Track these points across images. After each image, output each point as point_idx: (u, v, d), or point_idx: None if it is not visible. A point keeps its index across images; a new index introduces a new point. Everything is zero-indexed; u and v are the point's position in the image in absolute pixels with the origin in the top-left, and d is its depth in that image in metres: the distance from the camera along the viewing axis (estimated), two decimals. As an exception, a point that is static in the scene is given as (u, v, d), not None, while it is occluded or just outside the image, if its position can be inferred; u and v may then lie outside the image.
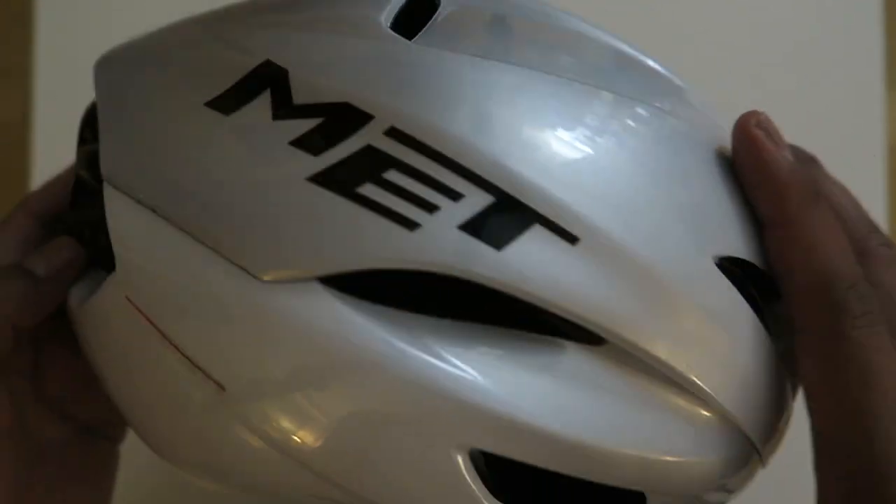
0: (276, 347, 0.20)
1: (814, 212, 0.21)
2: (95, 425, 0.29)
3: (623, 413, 0.20)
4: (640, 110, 0.22)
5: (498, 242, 0.19)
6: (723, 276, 0.21)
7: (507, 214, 0.19)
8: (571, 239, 0.19)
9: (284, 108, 0.20)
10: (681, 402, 0.21)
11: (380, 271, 0.20)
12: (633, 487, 0.21)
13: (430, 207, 0.19)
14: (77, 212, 0.26)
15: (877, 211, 0.44)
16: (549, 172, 0.20)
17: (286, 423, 0.20)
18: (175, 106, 0.22)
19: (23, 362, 0.27)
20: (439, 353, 0.20)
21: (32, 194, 0.29)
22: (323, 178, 0.20)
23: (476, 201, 0.19)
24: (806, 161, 0.24)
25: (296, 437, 0.20)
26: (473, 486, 0.20)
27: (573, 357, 0.20)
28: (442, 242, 0.19)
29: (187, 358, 0.21)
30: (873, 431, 0.20)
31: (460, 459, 0.20)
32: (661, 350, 0.20)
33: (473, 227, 0.19)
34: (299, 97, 0.20)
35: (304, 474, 0.21)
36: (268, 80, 0.21)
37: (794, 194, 0.21)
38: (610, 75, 0.23)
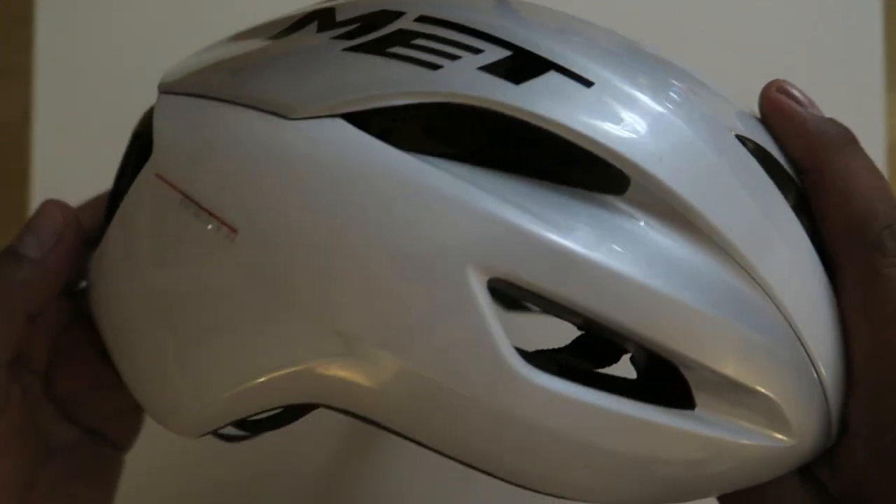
0: (303, 179, 0.20)
1: (847, 155, 0.22)
2: (102, 430, 0.29)
3: (662, 258, 0.20)
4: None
5: (516, 79, 0.20)
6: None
7: (525, 62, 0.20)
8: (586, 83, 0.20)
9: (329, 26, 0.22)
10: (708, 252, 0.20)
11: (402, 111, 0.20)
12: (676, 349, 0.19)
13: (453, 57, 0.20)
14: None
15: (877, 211, 0.44)
16: (570, 42, 0.21)
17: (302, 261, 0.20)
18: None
19: (36, 360, 0.27)
20: (465, 181, 0.20)
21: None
22: (357, 47, 0.21)
23: (495, 53, 0.20)
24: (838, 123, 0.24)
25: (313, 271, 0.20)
26: (485, 311, 0.19)
27: (597, 202, 0.20)
28: (462, 78, 0.20)
29: (215, 216, 0.21)
30: None
31: (476, 279, 0.19)
32: (679, 191, 0.20)
33: (492, 68, 0.20)
34: (340, 16, 0.22)
35: (306, 328, 0.20)
36: (315, 14, 0.23)
37: (824, 140, 0.22)
38: (621, 57, 0.22)
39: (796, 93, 0.23)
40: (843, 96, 0.46)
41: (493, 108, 0.20)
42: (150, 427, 0.41)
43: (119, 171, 0.26)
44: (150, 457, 0.44)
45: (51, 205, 0.26)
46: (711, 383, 0.20)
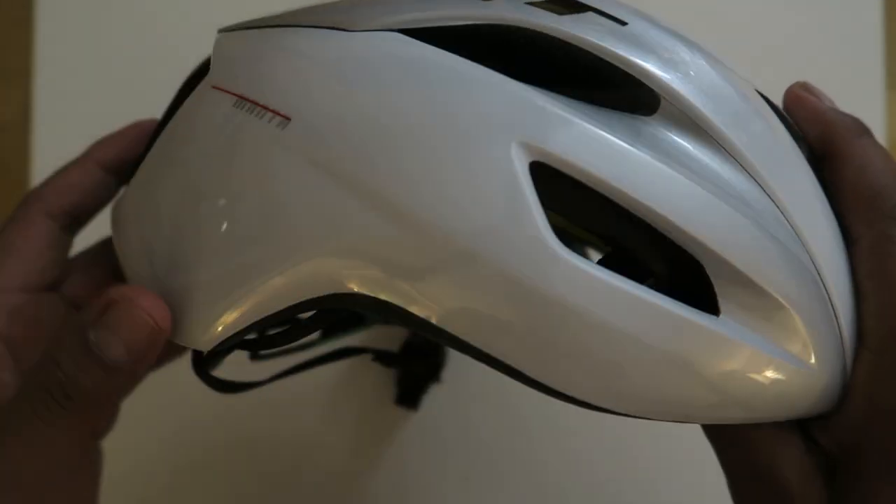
0: (356, 69, 0.21)
1: (862, 140, 0.23)
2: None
3: (692, 162, 0.21)
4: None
5: (559, 13, 0.22)
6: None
7: (568, 2, 0.23)
8: (622, 23, 0.22)
9: None
10: (734, 169, 0.21)
11: (456, 32, 0.22)
12: (706, 242, 0.20)
13: None
14: None
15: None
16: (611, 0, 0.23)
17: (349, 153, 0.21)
18: None
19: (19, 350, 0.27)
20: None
21: (95, 145, 0.29)
22: None
23: None
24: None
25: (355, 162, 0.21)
26: (526, 189, 0.20)
27: (631, 118, 0.21)
28: (512, 7, 0.22)
29: (268, 108, 0.22)
30: None
31: (520, 157, 0.20)
32: (706, 111, 0.21)
33: (538, 4, 0.22)
34: None
35: (356, 205, 0.20)
36: None
37: (840, 128, 0.23)
38: (656, 21, 0.24)
39: (816, 91, 0.25)
40: (843, 96, 0.46)
41: (538, 28, 0.21)
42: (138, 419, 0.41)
43: (168, 109, 0.27)
44: (141, 450, 0.44)
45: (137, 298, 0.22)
46: (736, 290, 0.21)
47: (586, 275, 0.20)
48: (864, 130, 0.23)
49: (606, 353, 0.20)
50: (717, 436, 0.24)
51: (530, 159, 0.20)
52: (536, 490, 0.42)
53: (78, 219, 0.29)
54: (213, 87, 0.24)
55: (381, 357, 0.41)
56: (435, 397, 0.43)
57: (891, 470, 0.21)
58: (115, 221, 0.27)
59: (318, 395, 0.43)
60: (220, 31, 0.26)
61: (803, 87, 0.25)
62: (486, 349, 0.20)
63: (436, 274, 0.20)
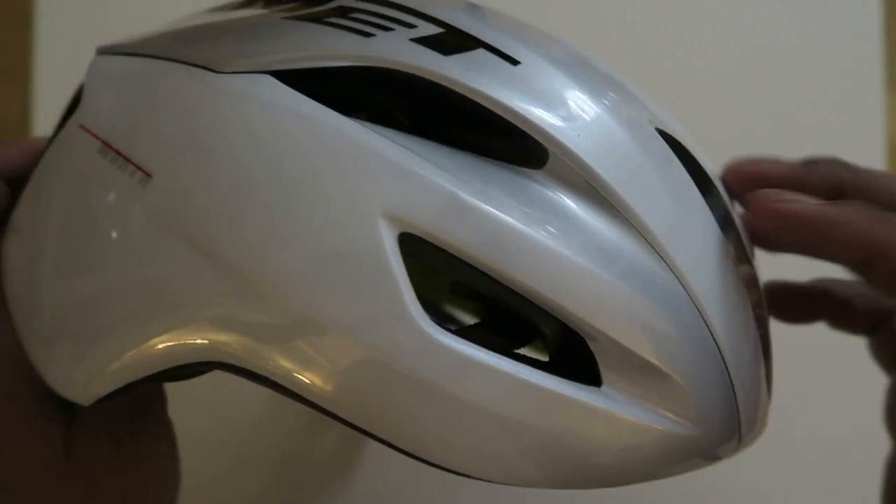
0: (218, 124, 0.20)
1: (874, 218, 0.21)
2: None
3: (576, 228, 0.20)
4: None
5: (444, 51, 0.20)
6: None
7: (456, 38, 0.21)
8: (513, 62, 0.20)
9: (275, 2, 0.24)
10: (623, 231, 0.20)
11: (331, 74, 0.20)
12: (586, 318, 0.19)
13: (386, 28, 0.21)
14: None
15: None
16: (505, 30, 0.22)
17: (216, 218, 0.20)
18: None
19: None
20: (384, 137, 0.20)
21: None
22: (295, 17, 0.22)
23: (428, 29, 0.21)
24: (831, 166, 0.23)
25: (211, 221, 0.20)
26: (394, 267, 0.19)
27: (516, 172, 0.20)
28: (393, 46, 0.21)
29: (130, 161, 0.21)
30: None
31: (387, 230, 0.19)
32: (596, 167, 0.20)
33: (423, 41, 0.21)
34: None
35: (218, 283, 0.20)
36: None
37: (880, 233, 0.20)
38: (560, 56, 0.22)
39: (781, 195, 0.22)
40: (843, 96, 0.46)
41: (419, 73, 0.20)
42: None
43: (51, 137, 0.26)
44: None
45: None
46: (619, 361, 0.20)
47: (456, 354, 0.19)
48: (868, 210, 0.21)
49: (480, 433, 0.19)
50: None
51: (398, 231, 0.19)
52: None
53: None
54: (80, 127, 0.23)
55: None
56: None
57: None
58: (3, 263, 0.26)
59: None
60: (99, 51, 0.25)
61: (769, 198, 0.22)
62: (348, 414, 0.20)
63: (295, 348, 0.19)
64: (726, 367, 0.21)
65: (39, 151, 0.26)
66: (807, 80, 0.46)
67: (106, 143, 0.22)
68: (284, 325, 0.19)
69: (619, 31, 0.45)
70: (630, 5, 0.45)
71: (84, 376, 0.22)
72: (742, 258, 0.22)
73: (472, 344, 0.19)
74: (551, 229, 0.19)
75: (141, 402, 0.26)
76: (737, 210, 0.24)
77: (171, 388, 0.28)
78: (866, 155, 0.45)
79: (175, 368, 0.21)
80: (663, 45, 0.45)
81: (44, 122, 0.45)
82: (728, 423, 0.21)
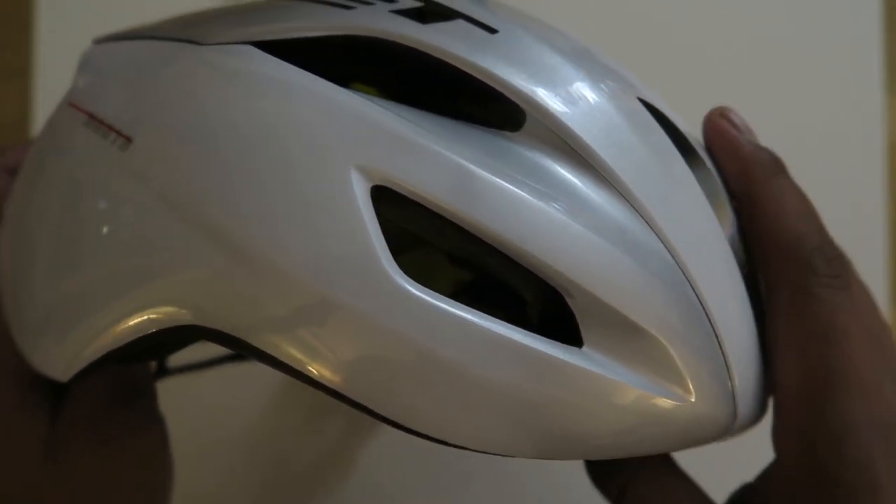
0: (197, 87, 0.21)
1: (778, 181, 0.22)
2: None
3: (553, 183, 0.19)
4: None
5: (422, 21, 0.21)
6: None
7: (435, 9, 0.21)
8: (491, 30, 0.21)
9: None
10: (602, 189, 0.20)
11: (313, 45, 0.21)
12: (564, 272, 0.19)
13: (367, 3, 0.21)
14: None
15: (876, 210, 0.44)
16: (489, 9, 0.22)
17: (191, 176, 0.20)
18: None
19: None
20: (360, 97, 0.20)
21: (1, 151, 0.28)
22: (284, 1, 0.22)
23: (407, 3, 0.21)
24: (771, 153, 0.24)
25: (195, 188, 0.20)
26: (365, 216, 0.18)
27: (493, 134, 0.20)
28: (372, 16, 0.21)
29: (112, 129, 0.21)
30: (834, 388, 0.20)
31: (359, 182, 0.18)
32: (574, 128, 0.20)
33: (403, 12, 0.21)
34: None
35: (195, 242, 0.20)
36: None
37: (757, 168, 0.22)
38: (554, 40, 0.22)
39: (736, 119, 0.23)
40: (843, 97, 0.46)
41: (396, 39, 0.20)
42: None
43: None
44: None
45: None
46: (599, 319, 0.19)
47: (432, 308, 0.18)
48: (780, 169, 0.23)
49: (461, 393, 0.19)
50: (610, 494, 0.23)
51: (371, 184, 0.19)
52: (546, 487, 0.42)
53: None
54: (69, 105, 0.23)
55: None
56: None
57: None
58: None
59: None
60: (95, 41, 0.26)
61: (722, 114, 0.23)
62: (321, 381, 0.19)
63: (269, 306, 0.19)
64: (715, 332, 0.20)
65: None
66: (807, 81, 0.46)
67: (92, 116, 0.22)
68: (256, 279, 0.19)
69: (617, 32, 0.45)
70: (629, 5, 0.45)
71: (71, 345, 0.22)
72: (727, 224, 0.22)
73: (446, 299, 0.18)
74: (529, 184, 0.19)
75: (127, 396, 0.26)
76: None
77: (163, 394, 0.28)
78: (866, 155, 0.45)
79: (155, 336, 0.21)
80: (662, 46, 0.45)
81: (43, 122, 0.45)
82: (721, 394, 0.20)
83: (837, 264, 0.21)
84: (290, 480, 0.43)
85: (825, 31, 0.47)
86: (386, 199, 0.19)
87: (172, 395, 0.39)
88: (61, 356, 0.22)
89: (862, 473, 0.20)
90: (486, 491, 0.42)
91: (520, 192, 0.19)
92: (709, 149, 0.24)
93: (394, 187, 0.19)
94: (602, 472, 0.24)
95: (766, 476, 0.22)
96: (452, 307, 0.18)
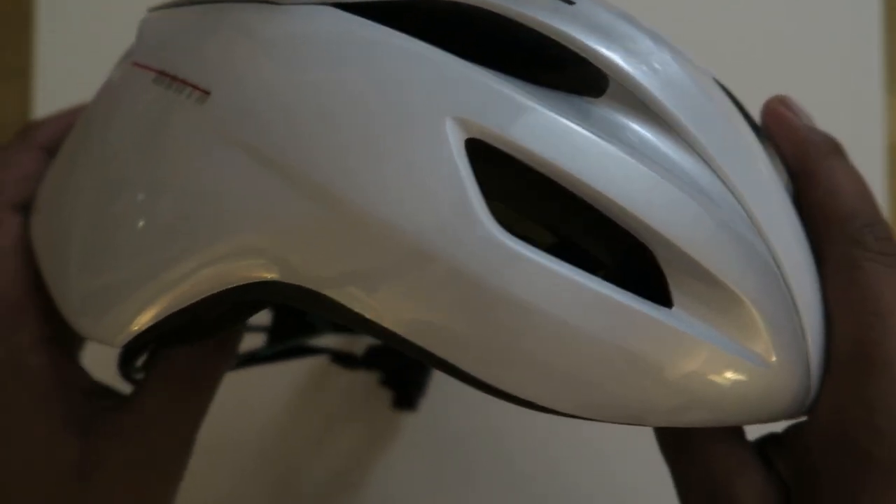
0: (284, 53, 0.20)
1: (833, 161, 0.23)
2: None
3: (641, 143, 0.20)
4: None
5: None
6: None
7: None
8: (568, 2, 0.21)
9: None
10: (686, 153, 0.20)
11: (393, 8, 0.20)
12: (657, 228, 0.19)
13: None
14: None
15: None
16: None
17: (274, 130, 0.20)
18: None
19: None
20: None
21: (35, 128, 0.28)
22: None
23: None
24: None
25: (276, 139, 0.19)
26: (460, 166, 0.18)
27: (577, 99, 0.20)
28: None
29: (187, 83, 0.21)
30: (875, 362, 0.20)
31: (454, 133, 0.18)
32: (658, 94, 0.20)
33: None
34: None
35: (279, 189, 0.19)
36: None
37: (812, 148, 0.23)
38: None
39: (794, 105, 0.24)
40: (842, 97, 0.46)
41: (477, 4, 0.20)
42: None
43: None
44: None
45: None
46: (690, 281, 0.19)
47: (528, 261, 0.18)
48: (835, 149, 0.23)
49: (555, 350, 0.18)
50: (674, 454, 0.24)
51: (466, 136, 0.18)
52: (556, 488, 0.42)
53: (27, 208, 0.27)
54: (134, 64, 0.23)
55: (341, 359, 0.39)
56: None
57: (844, 502, 0.20)
58: (32, 212, 0.26)
59: (287, 400, 0.43)
60: (150, 10, 0.25)
61: (781, 101, 0.24)
62: (407, 337, 0.19)
63: (367, 262, 0.19)
64: (794, 304, 0.20)
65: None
66: (806, 80, 0.46)
67: (161, 72, 0.22)
68: (348, 229, 0.19)
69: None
70: (630, 6, 0.45)
71: (133, 305, 0.22)
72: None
73: (542, 252, 0.18)
74: (617, 141, 0.19)
75: (169, 422, 0.26)
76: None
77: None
78: (866, 155, 0.45)
79: (225, 296, 0.20)
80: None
81: (44, 122, 0.45)
82: (798, 362, 0.20)
83: (888, 244, 0.21)
84: (299, 491, 0.43)
85: (825, 31, 0.47)
86: (473, 155, 0.18)
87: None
88: (121, 317, 0.22)
89: (894, 451, 0.20)
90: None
91: (617, 149, 0.19)
92: (767, 132, 0.24)
93: (490, 140, 0.18)
94: (673, 442, 0.24)
95: (797, 434, 0.22)
96: (549, 261, 0.18)
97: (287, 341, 0.36)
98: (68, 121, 0.28)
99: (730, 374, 0.19)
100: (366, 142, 0.19)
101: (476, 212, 0.18)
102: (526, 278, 0.18)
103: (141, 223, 0.21)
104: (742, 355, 0.19)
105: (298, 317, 0.36)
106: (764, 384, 0.20)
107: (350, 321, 0.19)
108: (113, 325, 0.22)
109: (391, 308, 0.19)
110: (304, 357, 0.38)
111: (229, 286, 0.20)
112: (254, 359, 0.34)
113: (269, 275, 0.20)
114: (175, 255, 0.21)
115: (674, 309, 0.19)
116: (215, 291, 0.20)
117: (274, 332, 0.36)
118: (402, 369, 0.41)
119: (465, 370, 0.19)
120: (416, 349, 0.19)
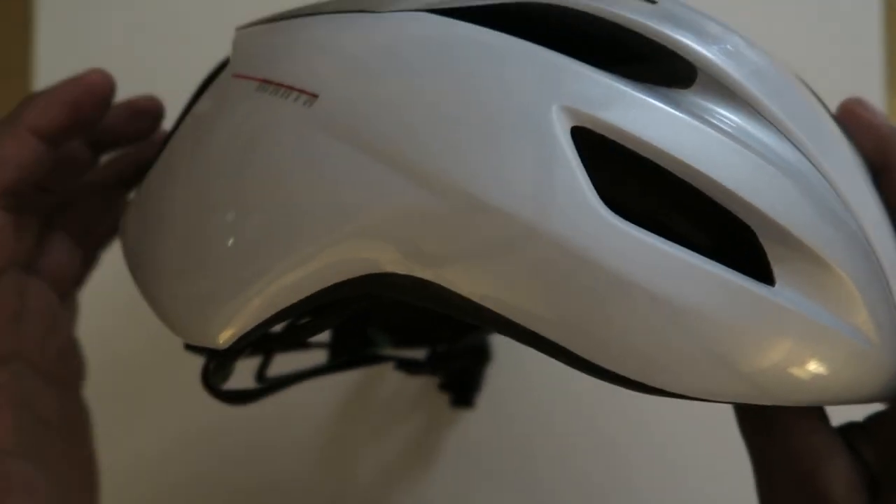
0: (385, 45, 0.21)
1: None
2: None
3: (736, 128, 0.20)
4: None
5: None
6: None
7: None
8: (651, 1, 0.22)
9: None
10: (778, 138, 0.21)
11: (487, 13, 0.21)
12: (758, 206, 0.19)
13: None
14: None
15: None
16: None
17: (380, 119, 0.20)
18: None
19: (23, 251, 0.27)
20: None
21: (26, 108, 0.26)
22: None
23: None
24: None
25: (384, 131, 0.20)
26: (568, 152, 0.19)
27: (668, 90, 0.21)
28: None
29: (293, 88, 0.22)
30: None
31: (560, 121, 0.19)
32: (746, 83, 0.21)
33: None
34: None
35: (392, 177, 0.20)
36: None
37: (895, 142, 0.23)
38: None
39: (871, 106, 0.25)
40: (843, 96, 0.46)
41: (568, 5, 0.21)
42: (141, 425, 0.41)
43: (181, 113, 0.27)
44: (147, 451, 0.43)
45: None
46: (790, 256, 0.19)
47: (636, 240, 0.19)
48: None
49: (663, 326, 0.19)
50: (758, 439, 0.23)
51: (572, 124, 0.19)
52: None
53: (16, 196, 0.26)
54: (234, 76, 0.24)
55: (406, 365, 0.40)
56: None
57: None
58: (126, 227, 0.26)
59: (332, 407, 0.43)
60: (238, 28, 0.26)
61: (858, 103, 0.25)
62: (519, 321, 0.19)
63: (480, 247, 0.19)
64: (888, 283, 0.21)
65: (90, 92, 0.28)
66: (806, 80, 0.46)
67: (265, 80, 0.23)
68: (462, 214, 0.19)
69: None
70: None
71: (243, 304, 0.22)
72: None
73: (650, 233, 0.19)
74: (715, 125, 0.20)
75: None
76: None
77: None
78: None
79: (334, 291, 0.21)
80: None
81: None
82: (894, 341, 0.20)
83: None
84: (349, 492, 0.43)
85: (825, 31, 0.47)
86: (578, 143, 0.19)
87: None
88: (231, 317, 0.22)
89: None
90: None
91: (716, 133, 0.19)
92: (850, 132, 0.24)
93: (595, 127, 0.19)
94: (754, 420, 0.23)
95: (879, 423, 0.22)
96: (659, 241, 0.19)
97: (347, 356, 0.37)
98: (66, 100, 0.27)
99: (836, 351, 0.20)
100: (478, 132, 0.19)
101: (587, 194, 0.19)
102: (639, 260, 0.18)
103: (250, 215, 0.22)
104: (846, 331, 0.20)
105: (358, 334, 0.37)
106: (867, 362, 0.20)
107: (460, 310, 0.20)
108: (218, 324, 0.23)
109: (503, 293, 0.19)
110: (367, 366, 0.39)
111: (340, 279, 0.21)
112: (320, 370, 0.35)
113: (382, 258, 0.20)
114: (284, 248, 0.21)
115: (776, 286, 0.19)
116: (327, 285, 0.21)
117: (335, 348, 0.36)
118: (461, 371, 0.42)
119: (581, 356, 0.19)
120: (527, 334, 0.19)
